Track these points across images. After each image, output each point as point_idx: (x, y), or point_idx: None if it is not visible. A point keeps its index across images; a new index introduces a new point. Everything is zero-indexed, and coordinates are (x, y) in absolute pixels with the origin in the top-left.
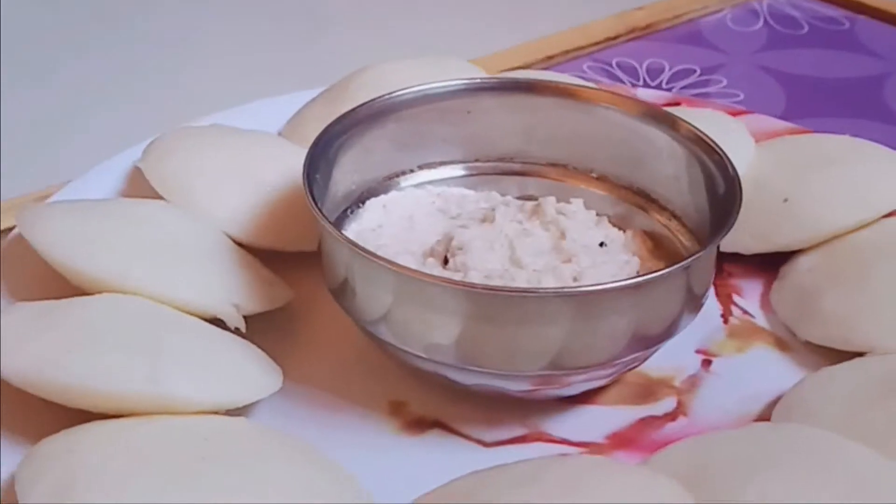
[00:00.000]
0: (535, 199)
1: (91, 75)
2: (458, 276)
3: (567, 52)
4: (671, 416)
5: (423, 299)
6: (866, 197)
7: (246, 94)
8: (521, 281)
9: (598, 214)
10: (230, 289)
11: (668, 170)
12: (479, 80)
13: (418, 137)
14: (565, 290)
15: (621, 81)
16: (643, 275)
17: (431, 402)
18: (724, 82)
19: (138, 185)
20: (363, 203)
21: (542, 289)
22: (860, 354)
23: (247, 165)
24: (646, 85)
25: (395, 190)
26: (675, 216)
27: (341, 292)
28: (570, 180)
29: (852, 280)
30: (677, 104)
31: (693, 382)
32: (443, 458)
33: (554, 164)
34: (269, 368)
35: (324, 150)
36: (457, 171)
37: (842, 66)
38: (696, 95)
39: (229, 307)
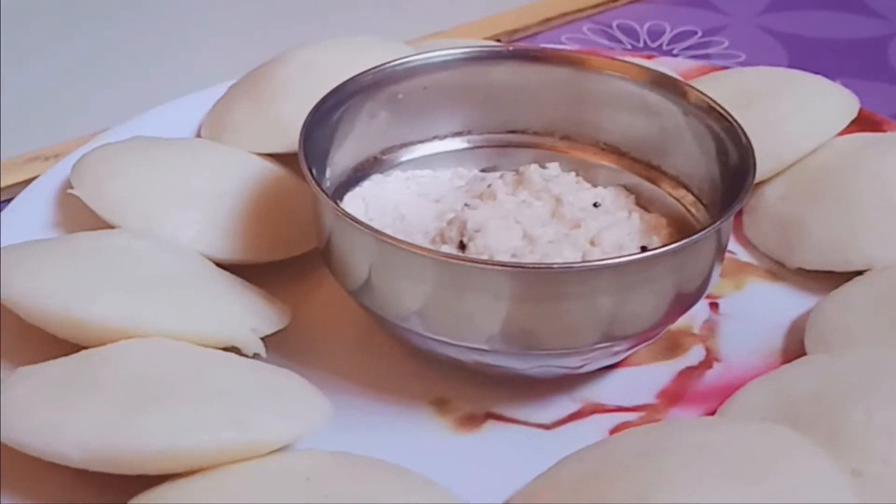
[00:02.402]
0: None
1: (92, 44)
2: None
3: (566, 14)
4: (706, 364)
5: (490, 288)
6: (817, 121)
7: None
8: (541, 254)
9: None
10: (241, 313)
11: (675, 135)
12: (449, 53)
13: (384, 121)
14: (627, 258)
15: (621, 43)
16: (690, 236)
17: (474, 394)
18: (726, 43)
19: (71, 211)
20: (341, 199)
21: (607, 259)
22: (858, 273)
23: (197, 178)
24: (646, 47)
25: (366, 181)
26: (666, 174)
27: (367, 291)
28: (573, 151)
29: (832, 201)
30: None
31: (710, 327)
32: (511, 449)
33: (559, 136)
34: (312, 389)
35: (314, 145)
36: (420, 151)
37: (846, 28)
38: (697, 57)
39: (249, 333)
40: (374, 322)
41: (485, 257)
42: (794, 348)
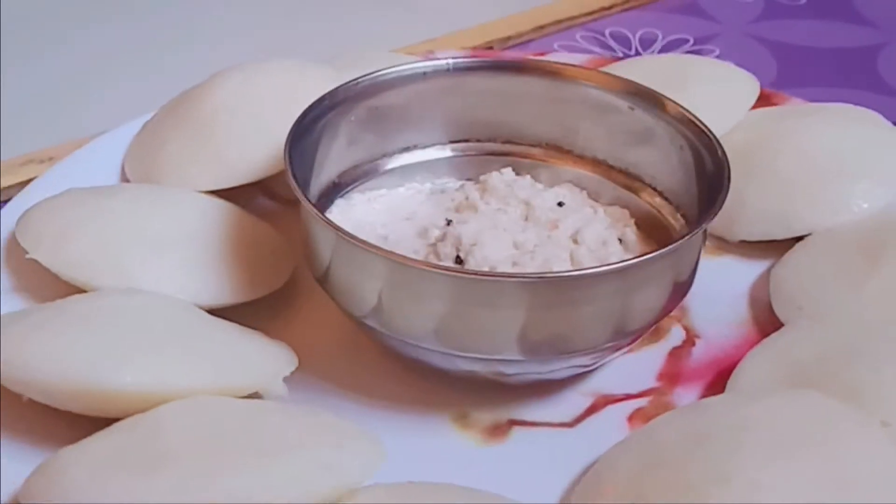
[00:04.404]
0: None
1: (95, 44)
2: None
3: (559, 21)
4: (688, 342)
5: (519, 300)
6: (729, 101)
7: None
8: (542, 259)
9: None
10: (260, 359)
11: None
12: (445, 62)
13: (340, 144)
14: (642, 257)
15: (613, 51)
16: (684, 236)
17: (490, 404)
18: (717, 52)
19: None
20: None
21: (628, 260)
22: (798, 239)
23: (155, 225)
24: (637, 55)
25: (332, 206)
26: (613, 167)
27: (378, 314)
28: (553, 161)
29: (763, 174)
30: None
31: (681, 307)
32: (543, 451)
33: (537, 145)
34: (360, 430)
35: (297, 170)
36: (372, 171)
37: (837, 37)
38: None
39: (275, 377)
40: (373, 344)
41: (486, 269)
42: (761, 316)
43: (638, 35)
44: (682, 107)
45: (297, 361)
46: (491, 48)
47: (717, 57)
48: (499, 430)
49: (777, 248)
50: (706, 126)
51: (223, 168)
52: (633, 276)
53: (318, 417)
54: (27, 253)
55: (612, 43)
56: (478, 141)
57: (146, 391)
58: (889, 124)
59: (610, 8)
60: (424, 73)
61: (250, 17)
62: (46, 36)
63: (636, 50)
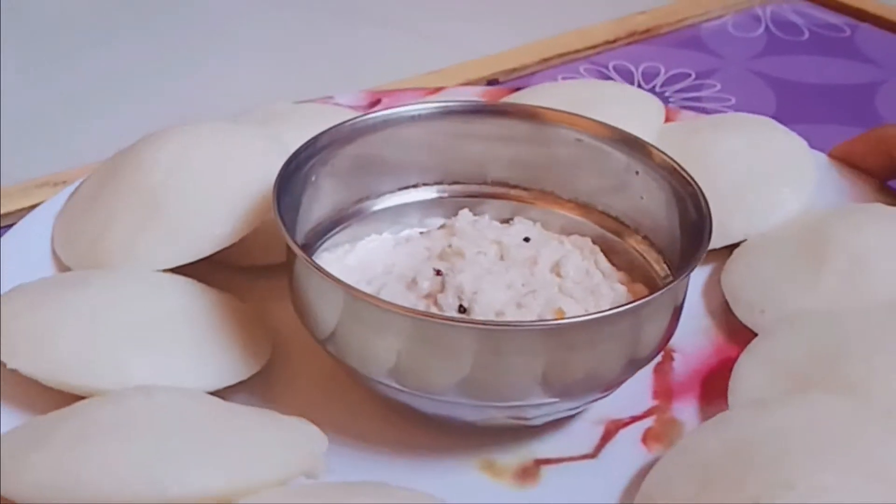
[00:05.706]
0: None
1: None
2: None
3: (563, 54)
4: (668, 357)
5: (551, 347)
6: (643, 120)
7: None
8: (544, 299)
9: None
10: (299, 439)
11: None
12: (437, 105)
13: (306, 205)
14: (654, 295)
15: None
16: (679, 277)
17: (512, 447)
18: (718, 87)
19: None
20: None
21: (644, 298)
22: (736, 245)
23: (129, 315)
24: (639, 88)
25: (315, 255)
26: (561, 196)
27: (398, 372)
28: (539, 203)
29: None
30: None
31: None
32: (577, 485)
33: (523, 188)
34: (424, 494)
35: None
36: (333, 227)
37: (837, 73)
38: (689, 99)
39: (316, 457)
40: (379, 402)
41: (492, 315)
42: (722, 322)
43: (641, 69)
44: (627, 132)
45: (324, 434)
46: (496, 80)
47: (718, 92)
48: (529, 472)
49: (714, 255)
50: (704, 198)
51: (181, 243)
52: (650, 307)
53: (390, 490)
54: (5, 364)
55: (614, 76)
56: (425, 185)
57: (215, 494)
58: (783, 128)
59: (614, 42)
60: (375, 125)
61: (257, 41)
62: (61, 57)
63: (638, 83)
